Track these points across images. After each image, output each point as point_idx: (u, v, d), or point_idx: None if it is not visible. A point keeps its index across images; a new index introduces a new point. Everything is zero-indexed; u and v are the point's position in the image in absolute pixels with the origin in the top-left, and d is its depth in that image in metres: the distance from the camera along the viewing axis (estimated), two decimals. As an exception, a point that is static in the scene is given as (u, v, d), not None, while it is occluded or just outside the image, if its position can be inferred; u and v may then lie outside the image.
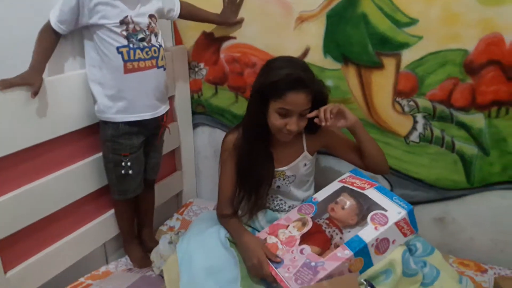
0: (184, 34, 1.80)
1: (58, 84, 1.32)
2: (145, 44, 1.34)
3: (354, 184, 1.33)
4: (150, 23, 1.37)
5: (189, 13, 1.61)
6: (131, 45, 1.32)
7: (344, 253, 1.13)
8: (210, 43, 1.76)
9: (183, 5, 1.57)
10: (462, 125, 1.43)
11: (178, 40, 1.82)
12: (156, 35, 1.39)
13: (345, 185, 1.35)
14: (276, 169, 1.39)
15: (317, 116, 1.27)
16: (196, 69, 1.83)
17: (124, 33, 1.30)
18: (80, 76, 1.39)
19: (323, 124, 1.25)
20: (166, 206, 1.89)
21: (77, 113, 1.41)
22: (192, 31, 1.77)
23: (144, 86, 1.37)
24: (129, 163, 1.41)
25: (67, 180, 1.41)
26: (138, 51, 1.33)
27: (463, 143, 1.45)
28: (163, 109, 1.48)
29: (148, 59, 1.36)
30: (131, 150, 1.42)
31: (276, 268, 1.19)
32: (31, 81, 1.21)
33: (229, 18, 1.65)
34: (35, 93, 1.21)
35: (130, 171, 1.43)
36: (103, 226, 1.58)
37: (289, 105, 1.23)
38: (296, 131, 1.28)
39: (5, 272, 1.25)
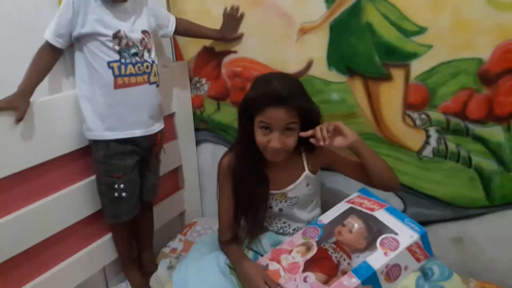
0: (184, 49, 1.77)
1: (49, 106, 1.30)
2: (137, 59, 1.32)
3: (363, 205, 1.26)
4: (143, 39, 1.35)
5: (185, 30, 1.58)
6: (122, 60, 1.30)
7: (351, 281, 1.06)
8: (211, 58, 1.72)
9: (179, 22, 1.54)
10: (479, 139, 1.35)
11: (178, 56, 1.78)
12: (149, 51, 1.37)
13: (353, 206, 1.28)
14: (276, 192, 1.34)
15: (313, 136, 1.21)
16: (198, 85, 1.79)
17: (117, 47, 1.29)
18: (71, 97, 1.36)
19: (321, 143, 1.19)
20: (170, 226, 1.83)
21: (71, 134, 1.37)
22: (193, 46, 1.74)
23: (135, 102, 1.34)
24: (122, 186, 1.37)
25: (62, 204, 1.37)
26: (130, 66, 1.31)
27: (481, 158, 1.36)
28: (156, 127, 1.44)
29: (140, 75, 1.33)
30: (124, 171, 1.37)
31: None
32: (16, 106, 1.18)
33: (229, 34, 1.61)
34: (18, 120, 1.19)
35: (124, 194, 1.38)
36: (101, 249, 1.53)
37: (268, 120, 1.19)
38: (281, 150, 1.22)
39: (-5, 304, 1.21)
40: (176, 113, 1.76)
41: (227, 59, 1.68)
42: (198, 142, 1.90)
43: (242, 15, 1.59)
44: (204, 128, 1.86)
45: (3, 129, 1.18)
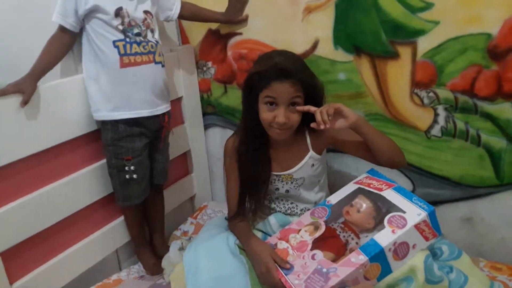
0: (190, 33, 1.77)
1: (60, 89, 1.31)
2: (141, 38, 1.33)
3: (371, 185, 1.26)
4: (145, 19, 1.35)
5: (191, 14, 1.58)
6: (127, 39, 1.30)
7: (358, 258, 1.06)
8: (216, 41, 1.71)
9: (184, 6, 1.54)
10: (488, 116, 1.33)
11: (184, 39, 1.78)
12: (152, 31, 1.37)
13: (361, 186, 1.27)
14: (282, 173, 1.34)
15: (310, 112, 1.20)
16: (204, 68, 1.79)
17: (120, 27, 1.29)
18: (80, 81, 1.37)
19: (322, 127, 1.18)
20: (180, 210, 1.85)
21: (81, 118, 1.39)
22: (198, 29, 1.73)
23: (141, 81, 1.35)
24: (132, 168, 1.39)
25: (75, 187, 1.39)
26: (134, 45, 1.32)
27: (490, 135, 1.34)
28: (163, 108, 1.44)
29: (145, 54, 1.34)
30: (133, 153, 1.38)
31: (286, 274, 1.13)
32: (23, 89, 1.19)
33: (235, 16, 1.60)
34: (25, 102, 1.20)
35: (135, 176, 1.40)
36: (114, 232, 1.55)
37: (274, 94, 1.19)
38: (287, 126, 1.22)
39: (10, 284, 1.23)
40: (184, 98, 1.76)
41: (233, 41, 1.67)
42: (206, 127, 1.91)
43: None
44: (212, 112, 1.86)
45: (11, 112, 1.20)
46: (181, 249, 1.46)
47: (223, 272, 1.19)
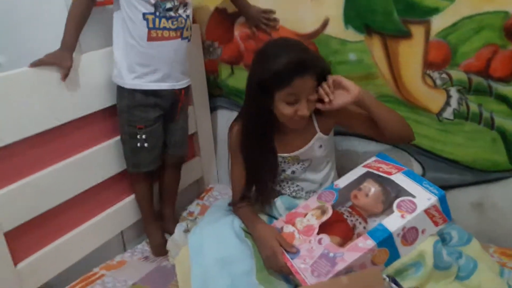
0: (196, 12, 1.72)
1: (77, 65, 1.31)
2: (172, 14, 1.33)
3: (380, 169, 1.23)
4: None
5: None
6: (157, 13, 1.31)
7: (366, 243, 1.04)
8: (223, 20, 1.68)
9: None
10: (502, 99, 1.29)
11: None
12: (185, 6, 1.37)
13: (370, 170, 1.25)
14: (288, 155, 1.32)
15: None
16: (211, 49, 1.76)
17: (152, 1, 1.29)
18: (101, 55, 1.39)
19: (326, 100, 1.18)
20: (186, 193, 1.84)
21: (95, 94, 1.40)
22: (205, 8, 1.70)
23: (166, 56, 1.36)
24: (144, 136, 1.41)
25: (83, 166, 1.39)
26: (163, 20, 1.33)
27: (504, 118, 1.31)
28: (185, 82, 1.46)
29: (174, 29, 1.35)
30: (146, 123, 1.41)
31: (292, 259, 1.11)
32: (62, 62, 1.23)
33: (249, 18, 1.60)
34: (65, 76, 1.25)
35: (146, 144, 1.42)
36: (120, 213, 1.55)
37: (297, 90, 1.15)
38: (308, 116, 1.20)
39: (15, 264, 1.23)
40: (190, 79, 1.73)
41: (240, 20, 1.64)
42: (212, 109, 1.88)
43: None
44: (219, 95, 1.84)
45: (33, 84, 1.21)
46: (187, 231, 1.46)
47: (228, 254, 1.18)
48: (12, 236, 1.21)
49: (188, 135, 1.61)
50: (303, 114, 1.18)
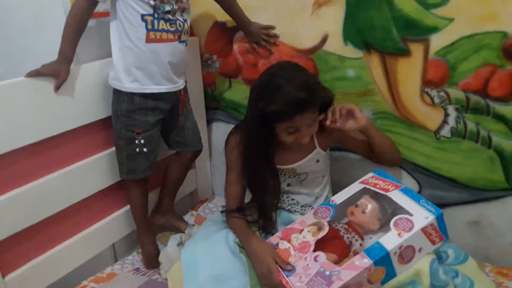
0: (195, 25, 1.73)
1: (73, 76, 1.30)
2: (169, 16, 1.32)
3: (377, 186, 1.23)
4: None
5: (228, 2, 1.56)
6: (156, 15, 1.30)
7: (362, 261, 1.03)
8: (222, 34, 1.68)
9: None
10: (500, 118, 1.29)
11: (189, 32, 1.73)
12: (183, 11, 1.36)
13: (367, 186, 1.25)
14: (285, 167, 1.33)
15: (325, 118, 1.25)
16: (209, 62, 1.76)
17: (152, 2, 1.28)
18: (97, 66, 1.38)
19: (333, 126, 1.24)
20: (181, 205, 1.81)
21: (90, 106, 1.38)
22: (204, 22, 1.70)
23: (163, 58, 1.35)
24: (142, 141, 1.38)
25: (75, 177, 1.37)
26: (162, 21, 1.32)
27: (501, 138, 1.31)
28: (181, 84, 1.44)
29: (172, 32, 1.34)
30: (145, 127, 1.38)
31: (287, 276, 1.10)
32: (58, 74, 1.23)
33: (252, 38, 1.59)
34: (57, 87, 1.24)
35: (145, 149, 1.40)
36: (112, 225, 1.53)
37: (296, 124, 1.19)
38: (308, 141, 1.25)
39: (3, 276, 1.21)
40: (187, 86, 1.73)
41: (239, 34, 1.63)
42: (209, 121, 1.87)
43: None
44: (216, 107, 1.83)
45: (28, 95, 1.20)
46: (180, 244, 1.43)
47: (222, 271, 1.17)
48: (1, 248, 1.19)
49: (198, 130, 1.59)
50: (303, 142, 1.23)
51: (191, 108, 1.56)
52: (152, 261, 1.49)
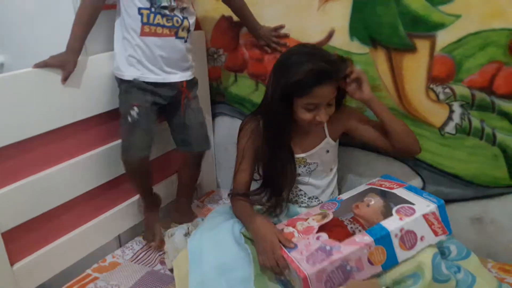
0: (202, 19, 1.73)
1: (81, 67, 1.31)
2: (166, 12, 1.33)
3: (383, 186, 1.27)
4: None
5: (236, 3, 1.57)
6: (152, 9, 1.31)
7: (363, 238, 1.06)
8: (229, 28, 1.68)
9: None
10: (505, 115, 1.30)
11: (196, 25, 1.73)
12: (182, 10, 1.37)
13: (373, 186, 1.28)
14: (297, 156, 1.35)
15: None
16: (215, 56, 1.76)
17: None
18: (104, 58, 1.39)
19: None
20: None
21: (98, 97, 1.39)
22: (211, 15, 1.70)
23: (155, 51, 1.35)
24: (137, 112, 1.36)
25: (82, 168, 1.38)
26: (158, 16, 1.33)
27: (506, 135, 1.31)
28: (177, 77, 1.42)
29: (168, 27, 1.34)
30: (141, 103, 1.37)
31: (289, 252, 1.11)
32: (64, 64, 1.23)
33: (260, 39, 1.60)
34: (65, 79, 1.25)
35: (138, 118, 1.36)
36: (118, 216, 1.55)
37: (317, 100, 1.19)
38: (327, 120, 1.24)
39: (11, 265, 1.22)
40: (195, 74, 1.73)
41: (246, 29, 1.63)
42: (214, 115, 1.88)
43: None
44: (221, 101, 1.84)
45: (35, 85, 1.20)
46: (187, 234, 1.44)
47: (226, 261, 1.18)
48: (9, 237, 1.20)
49: (205, 130, 1.57)
50: (322, 120, 1.22)
51: (199, 107, 1.54)
52: (151, 236, 1.52)
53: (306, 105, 1.20)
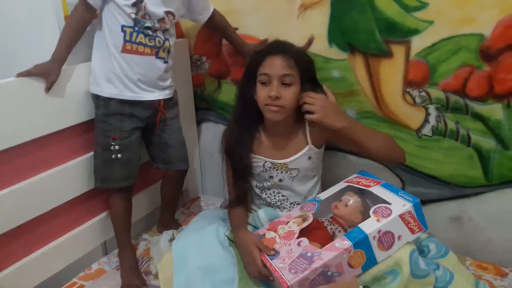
0: (185, 27, 1.76)
1: (65, 77, 1.32)
2: (149, 32, 1.34)
3: (360, 183, 1.28)
4: (163, 18, 1.36)
5: (218, 25, 1.59)
6: (136, 28, 1.32)
7: (342, 243, 1.07)
8: (211, 35, 1.71)
9: (215, 15, 1.56)
10: (478, 117, 1.34)
11: (179, 33, 1.76)
12: (164, 32, 1.38)
13: (351, 184, 1.29)
14: (278, 161, 1.36)
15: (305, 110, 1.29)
16: (198, 63, 1.78)
17: (133, 15, 1.31)
18: (87, 68, 1.39)
19: (307, 108, 1.26)
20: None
21: (79, 106, 1.39)
22: (194, 23, 1.71)
23: (134, 69, 1.35)
24: (117, 147, 1.37)
25: (64, 177, 1.37)
26: (141, 35, 1.33)
27: (480, 136, 1.35)
28: (156, 95, 1.42)
29: (149, 46, 1.35)
30: (121, 134, 1.37)
31: (271, 259, 1.13)
32: (48, 73, 1.24)
33: (249, 54, 1.58)
34: (48, 88, 1.26)
35: (119, 155, 1.37)
36: (103, 223, 1.54)
37: (267, 69, 1.25)
38: (280, 102, 1.24)
39: (-4, 274, 1.21)
40: (177, 92, 1.74)
41: (228, 37, 1.65)
42: (198, 122, 1.90)
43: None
44: (205, 107, 1.85)
45: (16, 95, 1.20)
46: (172, 240, 1.44)
47: (211, 262, 1.19)
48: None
49: (185, 149, 1.57)
50: (272, 95, 1.23)
51: (180, 127, 1.54)
52: (129, 276, 1.39)
53: (261, 78, 1.26)
